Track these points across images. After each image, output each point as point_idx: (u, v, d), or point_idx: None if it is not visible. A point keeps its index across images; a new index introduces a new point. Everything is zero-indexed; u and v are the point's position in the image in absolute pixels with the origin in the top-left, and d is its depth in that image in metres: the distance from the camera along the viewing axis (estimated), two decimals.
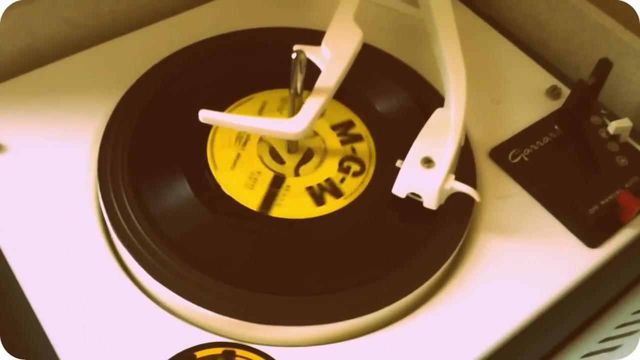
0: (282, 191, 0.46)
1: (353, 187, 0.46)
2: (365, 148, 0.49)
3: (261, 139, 0.48)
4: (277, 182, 0.46)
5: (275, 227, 0.44)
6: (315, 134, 0.49)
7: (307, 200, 0.45)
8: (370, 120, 0.50)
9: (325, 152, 0.48)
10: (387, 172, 0.45)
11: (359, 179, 0.47)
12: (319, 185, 0.46)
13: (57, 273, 0.42)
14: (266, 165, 0.47)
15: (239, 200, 0.45)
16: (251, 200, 0.45)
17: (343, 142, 0.49)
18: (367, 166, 0.48)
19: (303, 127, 0.41)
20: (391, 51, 0.55)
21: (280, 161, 0.48)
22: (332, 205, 0.45)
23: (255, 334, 0.40)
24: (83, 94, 0.50)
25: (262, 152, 0.48)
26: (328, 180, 0.47)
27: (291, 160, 0.48)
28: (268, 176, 0.46)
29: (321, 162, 0.48)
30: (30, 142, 0.47)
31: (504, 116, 0.53)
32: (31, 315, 0.40)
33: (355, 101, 0.51)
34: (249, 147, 0.48)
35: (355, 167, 0.48)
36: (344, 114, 0.50)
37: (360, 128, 0.50)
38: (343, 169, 0.47)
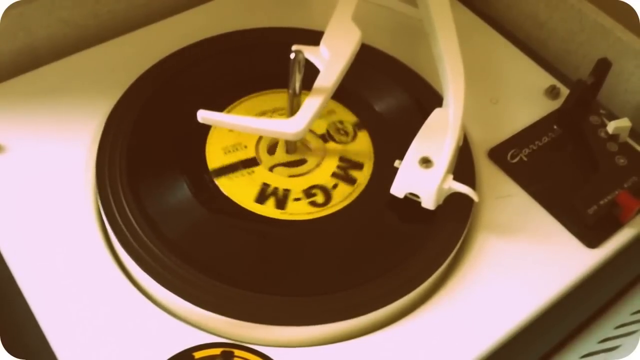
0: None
1: (352, 187, 0.46)
2: (363, 148, 0.49)
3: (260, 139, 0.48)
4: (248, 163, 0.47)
5: (274, 228, 0.44)
6: (314, 133, 0.49)
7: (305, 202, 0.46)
8: (368, 120, 0.50)
9: (323, 153, 0.48)
10: (385, 172, 0.45)
11: (358, 179, 0.47)
12: (316, 187, 0.46)
13: (56, 273, 0.42)
14: (256, 147, 0.48)
15: (237, 201, 0.45)
16: (215, 161, 0.45)
17: (342, 160, 0.48)
18: (365, 166, 0.47)
19: (301, 127, 0.41)
20: (390, 51, 0.55)
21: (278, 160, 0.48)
22: (328, 206, 0.45)
23: (254, 334, 0.40)
24: (82, 94, 0.50)
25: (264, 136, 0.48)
26: (334, 173, 0.47)
27: (281, 157, 0.48)
28: (247, 154, 0.47)
29: (319, 162, 0.48)
30: (29, 143, 0.47)
31: (502, 116, 0.53)
32: (30, 315, 0.40)
33: (354, 101, 0.51)
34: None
35: (353, 168, 0.47)
36: (342, 114, 0.50)
37: (365, 151, 0.49)
38: (341, 169, 0.47)
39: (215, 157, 0.47)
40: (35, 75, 0.51)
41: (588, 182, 0.48)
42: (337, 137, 0.49)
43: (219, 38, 0.54)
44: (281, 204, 0.45)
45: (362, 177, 0.47)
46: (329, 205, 0.45)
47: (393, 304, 0.41)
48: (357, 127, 0.49)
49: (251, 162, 0.47)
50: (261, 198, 0.45)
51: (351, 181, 0.46)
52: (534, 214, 0.47)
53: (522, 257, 0.45)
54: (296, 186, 0.46)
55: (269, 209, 0.45)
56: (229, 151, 0.47)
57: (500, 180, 0.49)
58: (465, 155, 0.48)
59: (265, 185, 0.46)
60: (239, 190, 0.45)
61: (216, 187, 0.45)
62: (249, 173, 0.46)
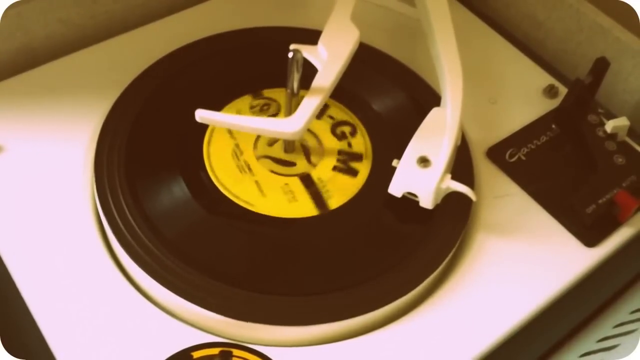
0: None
1: (350, 186, 0.46)
2: (361, 147, 0.49)
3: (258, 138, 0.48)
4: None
5: (273, 227, 0.44)
6: (312, 133, 0.49)
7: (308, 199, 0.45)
8: (366, 120, 0.50)
9: (321, 152, 0.48)
10: (383, 172, 0.45)
11: (356, 178, 0.47)
12: (313, 185, 0.46)
13: (54, 273, 0.41)
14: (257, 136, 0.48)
15: (236, 200, 0.45)
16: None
17: (339, 142, 0.49)
18: (363, 166, 0.47)
19: (299, 127, 0.41)
20: (388, 50, 0.55)
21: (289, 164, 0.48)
22: (304, 209, 0.45)
23: (253, 334, 0.40)
24: (79, 94, 0.50)
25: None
26: (315, 184, 0.46)
27: (276, 152, 0.48)
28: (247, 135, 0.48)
29: (317, 162, 0.48)
30: (27, 142, 0.47)
31: (501, 115, 0.53)
32: (28, 315, 0.40)
33: (352, 101, 0.51)
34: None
35: (351, 167, 0.47)
36: (340, 113, 0.50)
37: (357, 127, 0.50)
38: (339, 169, 0.47)
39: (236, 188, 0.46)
40: (33, 75, 0.51)
41: (586, 181, 0.48)
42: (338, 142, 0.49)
43: (216, 37, 0.54)
44: (237, 183, 0.45)
45: (334, 204, 0.46)
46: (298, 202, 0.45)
47: (392, 304, 0.41)
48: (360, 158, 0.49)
49: (245, 143, 0.48)
50: (237, 170, 0.46)
51: (321, 207, 0.45)
52: (532, 213, 0.47)
53: (521, 257, 0.45)
54: (268, 183, 0.46)
55: (229, 178, 0.45)
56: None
57: (498, 179, 0.49)
58: (464, 155, 0.48)
59: (245, 164, 0.46)
60: (219, 154, 0.46)
61: (241, 207, 0.45)
62: (238, 151, 0.47)
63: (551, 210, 0.47)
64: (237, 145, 0.47)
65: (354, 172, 0.47)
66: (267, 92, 0.51)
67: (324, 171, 0.47)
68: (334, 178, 0.47)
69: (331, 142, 0.49)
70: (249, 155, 0.47)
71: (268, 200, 0.45)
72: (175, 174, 0.46)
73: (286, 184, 0.46)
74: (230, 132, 0.48)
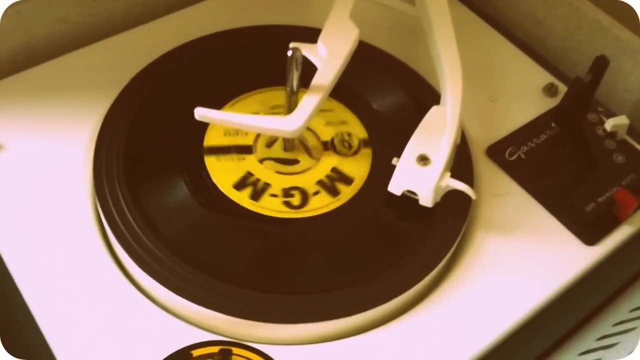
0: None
1: (332, 198, 0.46)
2: (360, 165, 0.48)
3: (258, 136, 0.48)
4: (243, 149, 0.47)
5: (272, 226, 0.44)
6: (312, 131, 0.49)
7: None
8: (366, 118, 0.50)
9: (319, 158, 0.48)
10: (383, 170, 0.45)
11: (341, 192, 0.46)
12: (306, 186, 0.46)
13: (54, 272, 0.41)
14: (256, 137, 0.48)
15: (216, 182, 0.45)
16: (213, 139, 0.46)
17: (333, 171, 0.48)
18: (354, 183, 0.47)
19: (299, 125, 0.41)
20: (387, 49, 0.55)
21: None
22: (324, 203, 0.45)
23: (253, 332, 0.40)
24: (79, 92, 0.50)
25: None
26: (320, 180, 0.46)
27: (276, 152, 0.48)
28: (245, 140, 0.48)
29: (311, 167, 0.48)
30: (26, 141, 0.47)
31: (501, 114, 0.53)
32: (28, 315, 0.40)
33: (352, 99, 0.51)
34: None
35: (341, 181, 0.47)
36: (340, 111, 0.50)
37: (356, 126, 0.50)
38: (329, 179, 0.47)
39: (214, 135, 0.47)
40: (33, 74, 0.51)
41: (586, 179, 0.48)
42: (339, 147, 0.48)
43: (216, 36, 0.54)
44: (256, 195, 0.45)
45: (347, 192, 0.46)
46: (302, 210, 0.45)
47: (391, 302, 0.41)
48: (363, 143, 0.49)
49: (246, 150, 0.47)
50: (239, 185, 0.45)
51: (334, 193, 0.46)
52: (532, 211, 0.47)
53: (521, 255, 0.45)
54: (278, 183, 0.46)
55: (242, 198, 0.45)
56: (229, 134, 0.47)
57: (498, 178, 0.49)
58: (464, 153, 0.48)
59: (249, 174, 0.46)
60: (222, 172, 0.46)
61: (202, 164, 0.45)
62: (239, 159, 0.46)
63: (551, 209, 0.47)
64: (237, 150, 0.47)
65: (339, 189, 0.46)
66: (266, 92, 0.51)
67: (328, 165, 0.47)
68: (318, 187, 0.46)
69: (329, 134, 0.49)
70: (251, 160, 0.47)
71: (275, 202, 0.45)
72: (175, 172, 0.46)
73: (294, 182, 0.46)
74: (228, 134, 0.48)
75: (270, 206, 0.45)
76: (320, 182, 0.46)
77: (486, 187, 0.48)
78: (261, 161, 0.47)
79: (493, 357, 0.42)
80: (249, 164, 0.47)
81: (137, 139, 0.47)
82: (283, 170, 0.47)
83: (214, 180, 0.46)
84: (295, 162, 0.48)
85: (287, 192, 0.46)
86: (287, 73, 0.43)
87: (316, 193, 0.46)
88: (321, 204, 0.45)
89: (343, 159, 0.48)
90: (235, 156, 0.47)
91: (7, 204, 0.44)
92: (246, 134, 0.48)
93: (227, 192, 0.45)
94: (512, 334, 0.42)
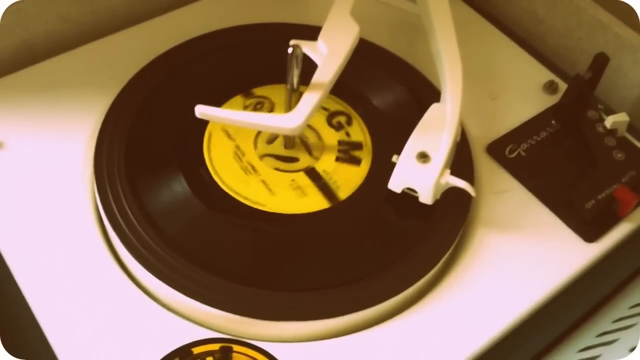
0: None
1: (349, 182, 0.46)
2: (360, 135, 0.49)
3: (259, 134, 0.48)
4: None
5: (273, 223, 0.44)
6: (309, 127, 0.49)
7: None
8: (366, 115, 0.50)
9: (321, 148, 0.48)
10: (383, 168, 0.45)
11: (356, 174, 0.47)
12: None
13: (55, 270, 0.42)
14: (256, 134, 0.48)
15: (236, 197, 0.45)
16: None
17: (341, 143, 0.48)
18: (363, 162, 0.48)
19: (299, 123, 0.41)
20: (388, 46, 0.55)
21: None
22: (315, 203, 0.45)
23: (253, 329, 0.40)
24: (80, 90, 0.50)
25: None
26: (322, 177, 0.47)
27: (277, 150, 0.48)
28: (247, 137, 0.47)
29: (319, 154, 0.48)
30: (27, 139, 0.47)
31: (501, 111, 0.53)
32: (29, 313, 0.40)
33: (352, 96, 0.51)
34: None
35: (351, 163, 0.47)
36: (340, 109, 0.50)
37: (357, 123, 0.50)
38: (341, 159, 0.47)
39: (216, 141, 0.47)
40: (33, 72, 0.51)
41: (586, 176, 0.48)
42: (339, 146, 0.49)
43: (216, 34, 0.54)
44: (244, 182, 0.45)
45: (347, 189, 0.46)
46: (303, 206, 0.45)
47: (392, 299, 0.41)
48: (364, 141, 0.49)
49: (246, 144, 0.47)
50: (240, 170, 0.46)
51: (334, 190, 0.46)
52: (532, 208, 0.47)
53: (521, 252, 0.45)
54: (273, 180, 0.46)
55: (233, 180, 0.45)
56: (230, 133, 0.47)
57: (498, 175, 0.49)
58: (464, 151, 0.48)
59: (250, 164, 0.46)
60: (220, 156, 0.46)
61: (241, 204, 0.45)
62: (238, 153, 0.47)
63: (551, 206, 0.47)
64: (237, 147, 0.47)
65: (357, 161, 0.47)
66: (264, 89, 0.51)
67: (327, 163, 0.47)
68: (338, 169, 0.47)
69: (329, 134, 0.49)
70: (251, 155, 0.47)
71: (278, 199, 0.45)
72: (176, 170, 0.46)
73: (293, 179, 0.46)
74: (228, 133, 0.48)
75: (272, 202, 0.45)
76: (319, 180, 0.46)
77: (486, 184, 0.48)
78: (261, 157, 0.47)
79: (494, 353, 0.42)
80: (249, 157, 0.47)
81: (138, 137, 0.47)
82: (282, 168, 0.47)
83: (215, 178, 0.46)
84: (295, 160, 0.48)
85: (287, 188, 0.46)
86: (288, 70, 0.43)
87: (316, 189, 0.46)
88: (322, 201, 0.45)
89: (342, 158, 0.48)
90: (236, 149, 0.47)
91: (7, 203, 0.44)
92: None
93: (228, 190, 0.45)
94: (513, 331, 0.42)
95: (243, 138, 0.48)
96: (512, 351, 0.42)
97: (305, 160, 0.48)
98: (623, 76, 0.56)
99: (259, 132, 0.48)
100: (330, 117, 0.50)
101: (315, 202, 0.45)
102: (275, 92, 0.51)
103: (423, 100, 0.49)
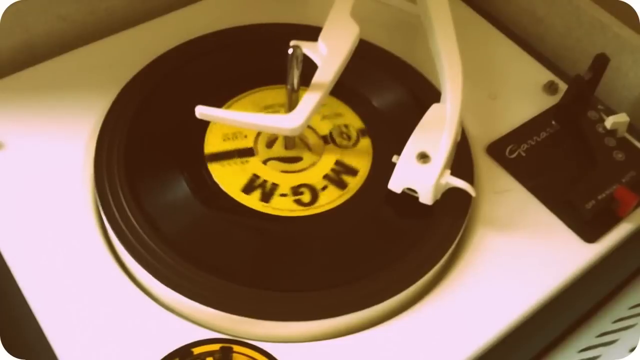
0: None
1: (341, 191, 0.46)
2: (361, 144, 0.49)
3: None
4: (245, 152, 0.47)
5: (273, 224, 0.44)
6: (312, 129, 0.49)
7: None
8: (366, 116, 0.50)
9: (321, 153, 0.48)
10: (383, 168, 0.45)
11: (349, 184, 0.47)
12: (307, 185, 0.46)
13: (55, 271, 0.42)
14: (255, 138, 0.48)
15: (224, 188, 0.45)
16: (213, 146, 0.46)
17: (337, 164, 0.48)
18: (359, 173, 0.47)
19: (300, 123, 0.41)
20: (388, 47, 0.55)
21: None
22: (313, 207, 0.45)
23: (253, 330, 0.40)
24: (80, 91, 0.50)
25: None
26: (298, 187, 0.46)
27: (278, 152, 0.48)
28: (245, 143, 0.47)
29: (315, 162, 0.48)
30: (27, 140, 0.47)
31: (501, 112, 0.53)
32: (29, 313, 0.40)
33: (352, 97, 0.51)
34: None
35: (347, 173, 0.47)
36: (349, 118, 0.50)
37: (357, 124, 0.50)
38: (335, 172, 0.47)
39: (213, 142, 0.47)
40: (33, 72, 0.51)
41: (586, 177, 0.48)
42: (338, 140, 0.48)
43: (216, 34, 0.54)
44: (266, 197, 0.45)
45: (354, 183, 0.46)
46: (313, 206, 0.45)
47: (392, 299, 0.41)
48: (362, 133, 0.49)
49: (247, 152, 0.47)
50: (248, 188, 0.45)
51: (342, 185, 0.46)
52: (532, 209, 0.47)
53: (521, 252, 0.45)
54: (285, 182, 0.46)
55: (253, 201, 0.45)
56: (228, 138, 0.47)
57: (498, 175, 0.49)
58: (464, 151, 0.48)
59: (255, 177, 0.46)
60: (229, 178, 0.45)
61: (207, 172, 0.45)
62: (242, 162, 0.46)
63: (551, 206, 0.47)
64: (239, 154, 0.47)
65: (346, 181, 0.47)
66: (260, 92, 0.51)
67: (318, 174, 0.47)
68: (325, 182, 0.46)
69: (326, 127, 0.49)
70: (254, 162, 0.47)
71: (287, 202, 0.45)
72: (175, 171, 0.46)
73: (303, 181, 0.46)
74: (228, 140, 0.48)
75: (282, 206, 0.45)
76: (326, 177, 0.47)
77: (486, 184, 0.48)
78: (265, 162, 0.47)
79: (494, 353, 0.42)
80: (253, 166, 0.46)
81: (138, 137, 0.47)
82: (288, 169, 0.47)
83: (215, 179, 0.46)
84: (298, 159, 0.48)
85: (296, 190, 0.46)
86: (288, 71, 0.43)
87: (324, 188, 0.46)
88: (330, 199, 0.45)
89: (344, 151, 0.48)
90: (238, 160, 0.47)
91: (7, 203, 0.44)
92: (245, 136, 0.48)
93: (227, 190, 0.45)
94: (513, 331, 0.42)
95: (243, 144, 0.48)
96: (512, 351, 0.42)
97: (308, 158, 0.48)
98: (623, 76, 0.56)
99: (257, 136, 0.48)
100: (339, 134, 0.50)
101: (327, 200, 0.45)
102: (272, 93, 0.51)
103: (423, 101, 0.49)
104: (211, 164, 0.46)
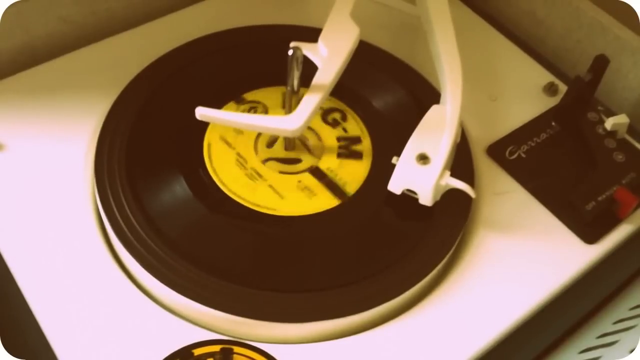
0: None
1: (350, 184, 0.46)
2: (362, 145, 0.49)
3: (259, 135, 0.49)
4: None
5: (273, 225, 0.44)
6: (310, 129, 0.49)
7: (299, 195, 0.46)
8: (367, 117, 0.50)
9: (321, 150, 0.48)
10: (383, 169, 0.45)
11: (356, 176, 0.47)
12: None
13: (55, 272, 0.42)
14: (255, 139, 0.48)
15: (236, 198, 0.45)
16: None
17: (339, 139, 0.49)
18: (363, 163, 0.48)
19: (300, 124, 0.41)
20: (388, 48, 0.55)
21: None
22: (326, 201, 0.45)
23: (253, 331, 0.40)
24: (80, 92, 0.50)
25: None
26: (327, 175, 0.47)
27: (277, 152, 0.48)
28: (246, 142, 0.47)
29: (320, 153, 0.48)
30: (28, 141, 0.47)
31: (501, 113, 0.53)
32: (29, 314, 0.40)
33: (352, 98, 0.51)
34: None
35: (351, 164, 0.47)
36: (333, 105, 0.50)
37: (357, 125, 0.50)
38: (343, 155, 0.47)
39: (226, 172, 0.46)
40: (34, 73, 0.51)
41: (586, 178, 0.48)
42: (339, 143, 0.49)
43: (217, 36, 0.54)
44: (251, 187, 0.45)
45: (347, 191, 0.46)
46: (314, 206, 0.45)
47: (392, 301, 0.41)
48: (364, 142, 0.49)
49: (247, 151, 0.47)
50: (242, 175, 0.46)
51: (336, 190, 0.46)
52: (532, 210, 0.47)
53: (521, 254, 0.45)
54: (280, 184, 0.46)
55: (237, 184, 0.45)
56: (239, 165, 0.47)
57: (498, 176, 0.49)
58: (464, 152, 0.48)
59: (253, 170, 0.46)
60: (224, 167, 0.46)
61: (207, 173, 0.45)
62: (240, 160, 0.46)
63: (551, 208, 0.47)
64: (239, 154, 0.47)
65: (358, 155, 0.47)
66: (257, 93, 0.51)
67: (330, 160, 0.47)
68: (341, 165, 0.47)
69: (327, 131, 0.49)
70: (254, 162, 0.47)
71: (288, 202, 0.45)
72: (176, 172, 0.46)
73: (299, 181, 0.46)
74: (227, 142, 0.48)
75: (282, 206, 0.45)
76: (324, 179, 0.47)
77: (486, 186, 0.48)
78: (264, 162, 0.47)
79: (494, 355, 0.42)
80: (252, 165, 0.47)
81: (139, 139, 0.47)
82: (286, 170, 0.47)
83: (215, 180, 0.46)
84: (297, 161, 0.48)
85: (295, 190, 0.46)
86: (288, 72, 0.43)
87: (324, 187, 0.46)
88: (324, 202, 0.45)
89: (343, 158, 0.48)
90: (237, 157, 0.47)
91: (7, 204, 0.44)
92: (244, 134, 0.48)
93: (228, 191, 0.45)
94: (513, 332, 0.42)
95: (243, 145, 0.48)
96: (513, 352, 0.42)
97: (307, 160, 0.48)
98: (623, 78, 0.56)
99: (257, 137, 0.48)
100: (325, 115, 0.50)
101: (324, 201, 0.45)
102: (269, 95, 0.51)
103: (423, 102, 0.49)
104: (208, 158, 0.46)
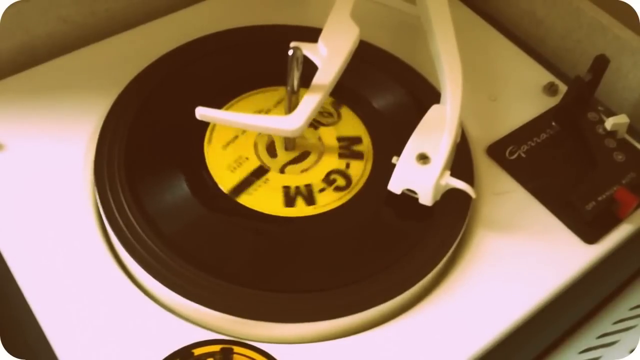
0: (259, 182, 0.46)
1: (362, 161, 0.47)
2: (361, 145, 0.49)
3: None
4: (258, 172, 0.47)
5: (273, 225, 0.44)
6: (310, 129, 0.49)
7: (279, 197, 0.45)
8: (367, 117, 0.50)
9: (322, 149, 0.48)
10: (383, 169, 0.45)
11: (363, 152, 0.47)
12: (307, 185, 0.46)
13: (55, 272, 0.42)
14: (257, 155, 0.47)
15: (267, 211, 0.45)
16: (227, 182, 0.45)
17: (340, 139, 0.49)
18: (363, 164, 0.48)
19: (299, 125, 0.41)
20: (388, 48, 0.55)
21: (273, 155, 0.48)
22: (352, 187, 0.46)
23: (253, 331, 0.40)
24: (80, 92, 0.50)
25: (258, 141, 0.48)
26: (327, 176, 0.47)
27: (284, 156, 0.48)
28: (253, 164, 0.47)
29: (322, 150, 0.48)
30: (27, 141, 0.47)
31: (501, 113, 0.53)
32: (29, 314, 0.40)
33: (352, 98, 0.51)
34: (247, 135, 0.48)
35: (353, 143, 0.48)
36: (340, 110, 0.50)
37: (357, 125, 0.50)
38: (344, 149, 0.48)
39: (223, 177, 0.46)
40: (33, 74, 0.51)
41: (586, 178, 0.48)
42: (323, 120, 0.49)
43: (217, 35, 0.54)
44: (310, 200, 0.45)
45: (366, 149, 0.47)
46: (352, 186, 0.46)
47: (392, 301, 0.41)
48: (336, 105, 0.50)
49: (261, 171, 0.47)
50: (289, 201, 0.45)
51: (358, 156, 0.47)
52: (532, 210, 0.47)
53: (521, 254, 0.45)
54: (313, 178, 0.46)
55: (300, 209, 0.45)
56: (234, 168, 0.46)
57: (498, 176, 0.49)
58: (464, 152, 0.48)
59: (287, 188, 0.46)
60: (264, 200, 0.45)
61: (241, 205, 0.44)
62: (264, 182, 0.46)
63: (551, 207, 0.47)
64: (239, 155, 0.47)
65: (359, 149, 0.48)
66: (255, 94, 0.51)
67: (333, 158, 0.48)
68: (345, 160, 0.47)
69: (331, 141, 0.49)
70: (273, 175, 0.46)
71: (328, 194, 0.45)
72: (176, 171, 0.46)
73: (299, 183, 0.46)
74: (228, 142, 0.48)
75: (328, 200, 0.45)
76: (341, 155, 0.47)
77: (486, 185, 0.48)
78: (282, 170, 0.47)
79: (494, 355, 0.42)
80: (277, 179, 0.46)
81: (138, 139, 0.47)
82: (305, 167, 0.47)
83: (215, 179, 0.46)
84: (307, 154, 0.48)
85: (328, 180, 0.46)
86: (288, 72, 0.43)
87: (348, 165, 0.47)
88: (359, 172, 0.46)
89: (336, 127, 0.48)
90: (259, 182, 0.46)
91: (7, 204, 0.44)
92: (247, 158, 0.47)
93: (283, 213, 0.45)
94: (513, 332, 0.42)
95: (251, 166, 0.47)
96: (513, 352, 0.42)
97: (315, 152, 0.48)
98: (623, 78, 0.56)
99: (256, 145, 0.48)
100: (320, 112, 0.50)
101: (324, 201, 0.45)
102: (268, 96, 0.51)
103: (423, 102, 0.49)
104: (239, 197, 0.45)
